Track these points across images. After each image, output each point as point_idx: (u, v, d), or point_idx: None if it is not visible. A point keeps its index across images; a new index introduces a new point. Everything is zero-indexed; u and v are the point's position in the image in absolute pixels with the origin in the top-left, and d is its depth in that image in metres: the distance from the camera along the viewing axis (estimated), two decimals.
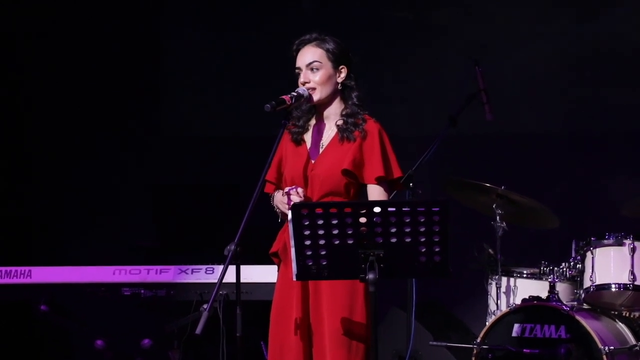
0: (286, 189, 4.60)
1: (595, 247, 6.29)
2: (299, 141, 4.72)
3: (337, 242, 4.22)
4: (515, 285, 6.48)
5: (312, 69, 4.66)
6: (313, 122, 4.74)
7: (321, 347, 4.55)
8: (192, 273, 6.33)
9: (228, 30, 8.22)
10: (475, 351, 6.17)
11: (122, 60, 8.14)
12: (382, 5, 8.09)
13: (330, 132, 4.70)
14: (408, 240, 4.21)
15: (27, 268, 6.43)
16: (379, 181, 4.63)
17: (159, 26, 8.31)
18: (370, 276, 4.22)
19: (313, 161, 4.67)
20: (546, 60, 7.85)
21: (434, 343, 6.57)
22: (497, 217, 6.39)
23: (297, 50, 4.70)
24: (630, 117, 7.76)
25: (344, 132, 4.64)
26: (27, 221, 8.00)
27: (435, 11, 8.03)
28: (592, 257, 6.27)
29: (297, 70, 4.70)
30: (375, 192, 4.64)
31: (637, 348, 6.20)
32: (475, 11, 7.96)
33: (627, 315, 6.39)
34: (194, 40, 8.27)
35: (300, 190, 4.58)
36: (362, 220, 4.20)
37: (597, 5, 7.81)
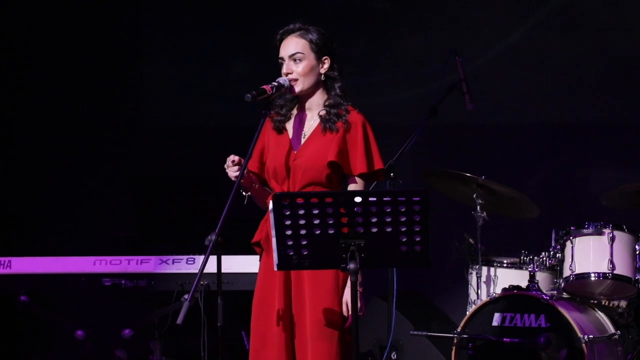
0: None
1: (574, 237, 6.32)
2: (280, 129, 4.72)
3: (318, 231, 4.22)
4: (495, 275, 6.51)
5: (294, 60, 4.65)
6: (295, 111, 4.74)
7: (303, 337, 4.56)
8: (173, 263, 6.33)
9: (210, 21, 8.20)
10: (455, 340, 6.19)
11: (103, 51, 8.12)
12: None
13: (312, 122, 4.69)
14: (389, 230, 4.22)
15: (7, 258, 6.41)
16: (361, 176, 4.64)
17: (141, 17, 8.28)
18: (351, 266, 4.23)
19: (295, 151, 4.67)
20: (526, 51, 7.87)
21: (415, 332, 6.59)
22: (478, 207, 6.42)
23: (281, 40, 4.69)
24: (610, 108, 7.79)
25: (326, 123, 4.64)
26: (7, 212, 7.97)
27: (416, 1, 8.03)
28: (572, 247, 6.30)
29: (280, 60, 4.70)
30: (352, 185, 4.65)
31: (616, 337, 6.24)
32: (456, 1, 7.97)
33: (607, 304, 6.43)
34: (175, 31, 8.25)
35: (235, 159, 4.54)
36: (343, 210, 4.20)
37: None
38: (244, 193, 4.61)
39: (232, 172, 4.56)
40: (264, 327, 4.62)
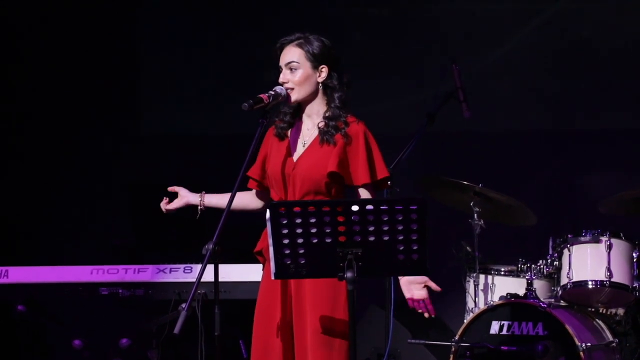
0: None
1: (572, 244, 6.32)
2: (282, 137, 4.73)
3: (315, 240, 4.22)
4: (493, 283, 6.50)
5: (290, 69, 4.66)
6: (297, 119, 4.75)
7: (303, 346, 4.55)
8: (170, 272, 6.32)
9: (208, 29, 8.21)
10: (453, 349, 6.19)
11: (101, 59, 8.12)
12: (359, 3, 8.09)
13: (313, 131, 4.69)
14: (386, 238, 4.21)
15: (4, 268, 6.41)
16: (365, 186, 4.64)
17: (138, 24, 8.29)
18: (349, 275, 4.22)
19: (294, 159, 4.68)
20: (523, 58, 7.88)
21: (413, 341, 6.58)
22: (475, 215, 6.41)
23: (281, 49, 4.71)
24: (608, 114, 7.80)
25: (324, 135, 4.64)
26: (4, 221, 7.96)
27: (412, 8, 8.04)
28: (569, 254, 6.30)
29: (280, 69, 4.71)
30: (361, 196, 4.66)
31: (614, 344, 6.23)
32: (452, 9, 7.98)
33: (604, 311, 6.42)
34: (172, 38, 8.25)
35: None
36: (340, 219, 4.20)
37: (575, 3, 7.85)
38: (199, 208, 4.76)
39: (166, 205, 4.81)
40: (265, 335, 4.62)
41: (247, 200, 4.83)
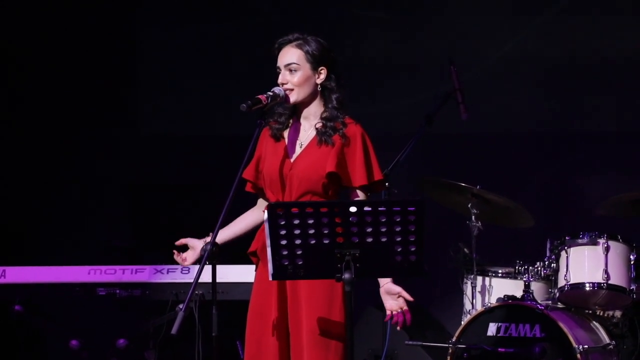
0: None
1: (569, 247, 6.32)
2: (278, 137, 4.72)
3: (313, 241, 4.22)
4: (490, 285, 6.51)
5: (290, 70, 4.66)
6: (293, 120, 4.75)
7: (299, 347, 4.55)
8: (167, 273, 6.32)
9: (207, 29, 8.21)
10: (450, 350, 6.19)
11: (99, 59, 8.12)
12: (356, 4, 8.10)
13: (310, 132, 4.69)
14: (384, 239, 4.22)
15: (1, 268, 6.40)
16: (361, 188, 4.64)
17: (137, 23, 8.29)
18: (346, 276, 4.23)
19: (291, 160, 4.68)
20: (520, 60, 7.88)
21: (410, 342, 6.59)
22: (473, 217, 6.42)
23: (279, 50, 4.71)
24: (605, 117, 7.81)
25: (322, 136, 4.64)
26: (1, 221, 7.96)
27: (410, 10, 8.05)
28: (567, 256, 6.31)
29: (277, 70, 4.71)
30: (356, 198, 4.66)
31: (611, 347, 6.24)
32: (449, 11, 7.99)
33: (601, 314, 6.43)
34: (171, 38, 8.26)
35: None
36: (338, 220, 4.21)
37: (571, 6, 7.86)
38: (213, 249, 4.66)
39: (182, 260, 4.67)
40: (259, 335, 4.62)
41: (253, 218, 4.77)
